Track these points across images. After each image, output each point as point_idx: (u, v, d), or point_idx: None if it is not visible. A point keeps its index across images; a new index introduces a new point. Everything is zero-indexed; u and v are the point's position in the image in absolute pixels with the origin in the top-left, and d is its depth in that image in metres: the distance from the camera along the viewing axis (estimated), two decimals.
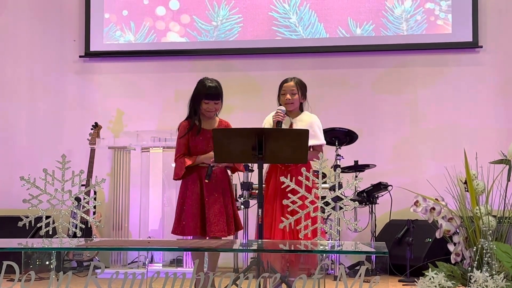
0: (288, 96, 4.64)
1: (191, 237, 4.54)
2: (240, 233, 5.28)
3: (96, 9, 6.92)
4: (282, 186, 3.63)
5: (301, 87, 4.71)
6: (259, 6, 6.73)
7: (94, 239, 5.54)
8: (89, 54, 6.93)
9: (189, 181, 4.52)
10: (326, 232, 4.83)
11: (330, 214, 3.45)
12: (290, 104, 4.63)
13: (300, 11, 6.67)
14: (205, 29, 6.80)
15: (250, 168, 5.38)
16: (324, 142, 4.74)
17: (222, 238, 4.46)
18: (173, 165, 4.63)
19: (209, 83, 4.49)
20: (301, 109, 4.75)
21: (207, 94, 4.47)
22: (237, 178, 5.42)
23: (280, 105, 4.67)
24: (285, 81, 4.73)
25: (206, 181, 4.43)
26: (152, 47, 6.86)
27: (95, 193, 5.92)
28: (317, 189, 3.47)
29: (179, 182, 4.61)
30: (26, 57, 7.03)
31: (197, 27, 6.81)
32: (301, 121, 4.67)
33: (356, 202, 5.43)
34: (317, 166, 3.54)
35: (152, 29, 6.87)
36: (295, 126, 4.61)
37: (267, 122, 4.69)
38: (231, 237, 4.79)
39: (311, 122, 4.66)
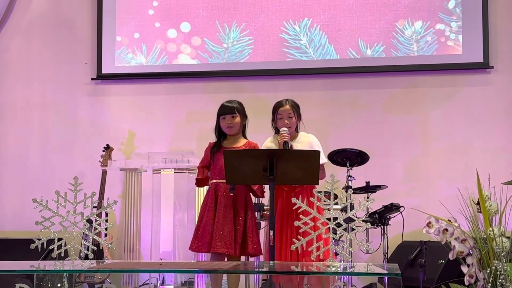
0: (286, 120, 4.66)
1: (209, 256, 4.55)
2: None
3: (108, 32, 6.97)
4: (294, 207, 3.62)
5: (296, 108, 4.75)
6: (270, 28, 6.76)
7: (106, 261, 5.53)
8: (101, 77, 6.98)
9: (208, 198, 4.59)
10: (338, 254, 4.83)
11: (342, 235, 3.44)
12: (289, 128, 4.65)
13: (311, 32, 6.69)
14: (216, 51, 6.83)
15: None
16: (326, 161, 4.74)
17: (227, 255, 4.45)
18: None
19: (225, 102, 4.72)
20: (296, 130, 4.77)
21: (222, 111, 4.67)
22: None
23: (277, 129, 4.70)
24: (280, 104, 4.74)
25: (231, 194, 4.51)
26: (163, 69, 6.90)
27: (106, 215, 5.92)
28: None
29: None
30: (38, 79, 7.08)
31: (208, 49, 6.84)
32: (300, 142, 4.69)
33: (368, 223, 5.45)
34: (328, 187, 3.54)
35: (163, 52, 6.91)
36: (295, 148, 4.62)
37: (265, 147, 4.71)
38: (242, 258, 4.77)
39: (310, 142, 4.69)
